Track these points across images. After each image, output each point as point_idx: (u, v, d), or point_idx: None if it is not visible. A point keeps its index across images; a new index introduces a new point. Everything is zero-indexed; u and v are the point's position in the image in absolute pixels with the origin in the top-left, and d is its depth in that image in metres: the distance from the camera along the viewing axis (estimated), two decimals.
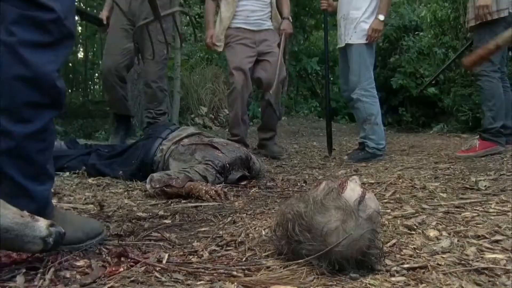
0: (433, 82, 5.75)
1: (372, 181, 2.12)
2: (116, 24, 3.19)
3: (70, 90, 16.60)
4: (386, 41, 7.07)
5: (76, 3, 1.15)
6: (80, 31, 15.98)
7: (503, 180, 1.96)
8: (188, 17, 8.02)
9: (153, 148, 2.32)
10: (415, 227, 1.30)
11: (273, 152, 3.36)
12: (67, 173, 2.33)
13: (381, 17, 2.89)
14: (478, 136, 3.06)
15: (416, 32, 6.69)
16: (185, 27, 8.84)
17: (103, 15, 3.34)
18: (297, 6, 7.37)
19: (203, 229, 1.38)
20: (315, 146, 4.26)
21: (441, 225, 1.32)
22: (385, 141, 3.17)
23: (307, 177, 2.45)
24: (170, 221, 1.47)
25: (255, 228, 1.34)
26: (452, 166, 2.48)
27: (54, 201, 1.72)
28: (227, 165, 2.17)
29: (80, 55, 18.34)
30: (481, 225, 1.29)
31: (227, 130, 4.44)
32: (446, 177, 2.16)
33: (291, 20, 3.45)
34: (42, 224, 0.90)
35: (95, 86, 20.38)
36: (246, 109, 3.42)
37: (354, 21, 2.96)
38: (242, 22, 3.26)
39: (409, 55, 6.49)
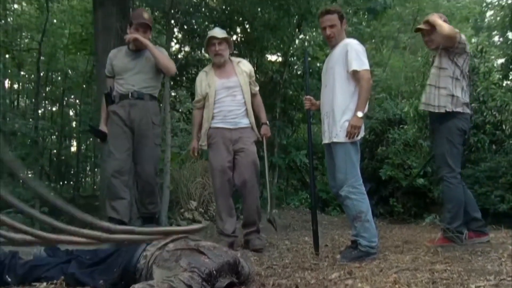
0: (420, 173, 5.84)
1: (368, 287, 2.01)
2: (116, 131, 3.49)
3: (61, 183, 16.45)
4: (372, 133, 7.27)
5: None
6: (74, 125, 16.30)
7: (504, 286, 1.87)
8: (176, 112, 8.32)
9: (136, 254, 2.22)
10: None
11: (255, 246, 3.45)
12: (44, 284, 2.19)
13: (359, 114, 2.97)
14: (441, 231, 3.40)
15: (401, 126, 6.90)
16: (177, 123, 9.10)
17: (104, 128, 3.61)
18: (284, 101, 7.66)
19: None
20: (307, 242, 4.14)
21: None
22: (378, 238, 3.10)
23: (299, 281, 2.34)
24: None
25: None
26: (449, 268, 2.38)
27: None
28: (214, 271, 2.06)
29: (73, 148, 18.50)
30: None
31: None
32: (444, 281, 2.06)
33: (268, 124, 3.85)
34: None
35: (87, 179, 20.25)
36: (230, 204, 3.65)
37: (337, 120, 3.04)
38: (220, 122, 3.57)
39: (396, 147, 6.63)
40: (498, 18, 9.87)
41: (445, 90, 3.29)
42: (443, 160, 3.33)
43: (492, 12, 12.96)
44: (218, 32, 3.61)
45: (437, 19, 3.33)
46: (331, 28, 3.15)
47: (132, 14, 3.84)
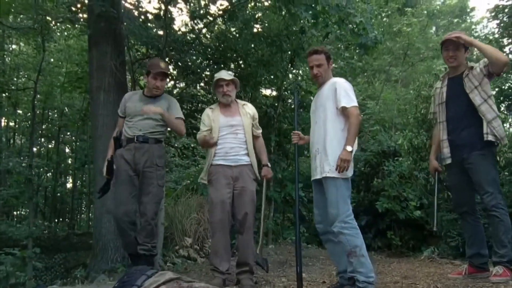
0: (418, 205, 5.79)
1: None
2: (122, 175, 3.65)
3: (56, 220, 16.24)
4: (367, 165, 7.26)
5: None
6: (70, 162, 16.25)
7: None
8: (172, 148, 8.34)
9: None
10: None
11: (243, 286, 3.50)
12: None
13: (349, 148, 2.99)
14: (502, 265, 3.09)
15: (396, 158, 6.90)
16: (172, 158, 9.09)
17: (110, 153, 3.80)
18: (279, 135, 7.69)
19: None
20: (305, 279, 4.03)
21: None
22: (375, 272, 3.04)
23: None
24: None
25: None
26: None
27: None
28: None
29: (69, 185, 18.34)
30: None
31: None
32: None
33: (269, 166, 3.89)
34: None
35: (82, 215, 20.01)
36: (227, 240, 3.65)
37: (329, 155, 3.05)
38: (222, 159, 3.67)
39: (391, 179, 6.60)
40: None
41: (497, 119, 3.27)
42: (495, 186, 3.19)
43: None
44: (225, 75, 3.79)
45: (481, 43, 3.34)
46: (318, 67, 3.27)
47: (149, 64, 3.98)
